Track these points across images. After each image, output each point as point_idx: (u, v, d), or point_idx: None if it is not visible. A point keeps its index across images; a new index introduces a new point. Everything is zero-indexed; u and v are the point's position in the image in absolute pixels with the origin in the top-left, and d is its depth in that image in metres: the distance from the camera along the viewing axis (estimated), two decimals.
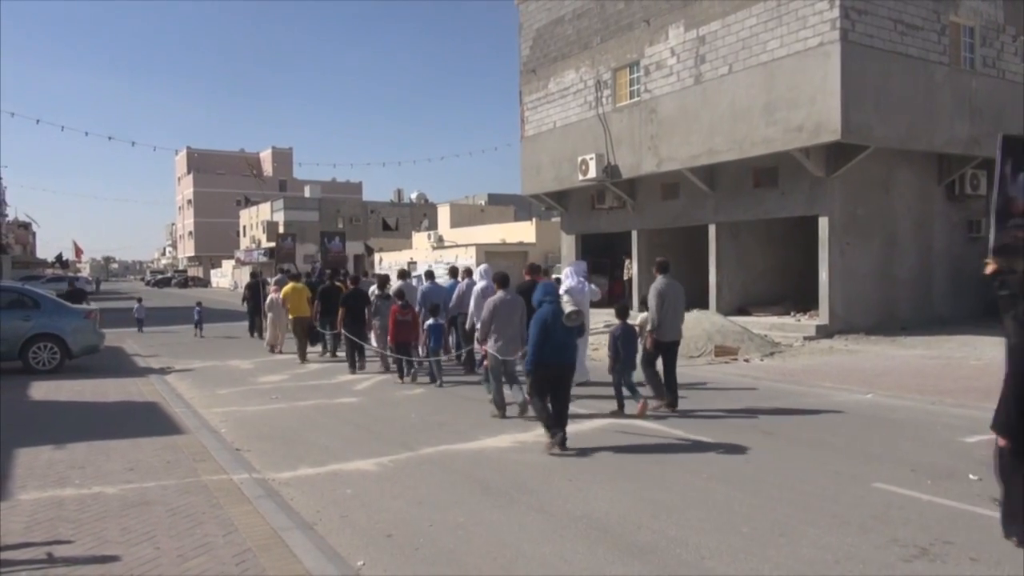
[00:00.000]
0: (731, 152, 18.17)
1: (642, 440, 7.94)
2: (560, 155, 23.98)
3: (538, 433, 8.19)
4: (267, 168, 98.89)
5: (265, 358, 15.61)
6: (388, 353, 12.97)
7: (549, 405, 7.54)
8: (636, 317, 9.74)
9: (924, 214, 18.81)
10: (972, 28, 18.33)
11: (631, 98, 21.41)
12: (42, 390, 11.48)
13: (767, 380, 11.70)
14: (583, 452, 7.44)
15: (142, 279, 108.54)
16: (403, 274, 15.07)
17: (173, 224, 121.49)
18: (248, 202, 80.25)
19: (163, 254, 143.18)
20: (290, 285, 15.94)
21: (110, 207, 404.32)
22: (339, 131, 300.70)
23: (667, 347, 9.43)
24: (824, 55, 15.90)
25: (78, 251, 69.19)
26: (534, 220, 42.23)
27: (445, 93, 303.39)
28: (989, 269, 5.46)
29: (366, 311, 13.49)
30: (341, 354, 14.71)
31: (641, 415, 8.83)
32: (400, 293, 12.50)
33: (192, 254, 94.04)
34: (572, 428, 8.46)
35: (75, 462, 7.06)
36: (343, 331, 13.53)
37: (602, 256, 27.44)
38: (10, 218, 78.43)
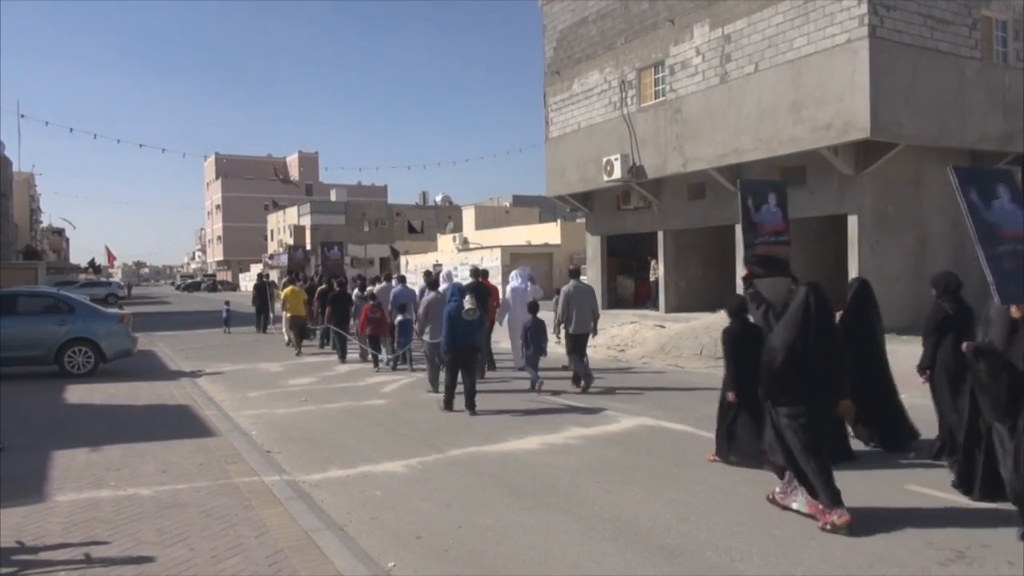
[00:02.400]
0: (758, 151, 18.02)
1: (670, 442, 7.90)
2: (585, 156, 23.93)
3: (566, 435, 8.20)
4: (294, 172, 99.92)
5: (294, 361, 15.77)
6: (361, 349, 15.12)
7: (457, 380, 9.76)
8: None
9: (957, 212, 18.34)
10: (1005, 22, 18.01)
11: (656, 98, 21.32)
12: (77, 393, 11.68)
13: None
14: (611, 454, 7.44)
15: (172, 283, 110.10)
16: (388, 277, 17.23)
17: (202, 229, 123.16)
18: (275, 206, 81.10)
19: (193, 258, 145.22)
20: (289, 288, 18.06)
21: (141, 213, 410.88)
22: (364, 135, 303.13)
23: (579, 339, 11.10)
24: (852, 52, 15.71)
25: (110, 256, 70.25)
26: (559, 221, 42.23)
27: (469, 95, 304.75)
28: (744, 274, 7.43)
29: (349, 310, 15.82)
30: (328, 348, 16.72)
31: (538, 391, 10.84)
32: (372, 295, 14.79)
33: (221, 258, 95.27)
34: (600, 429, 8.47)
35: (110, 464, 7.18)
36: (329, 326, 15.93)
37: (628, 257, 27.34)
38: (44, 224, 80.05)
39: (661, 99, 21.04)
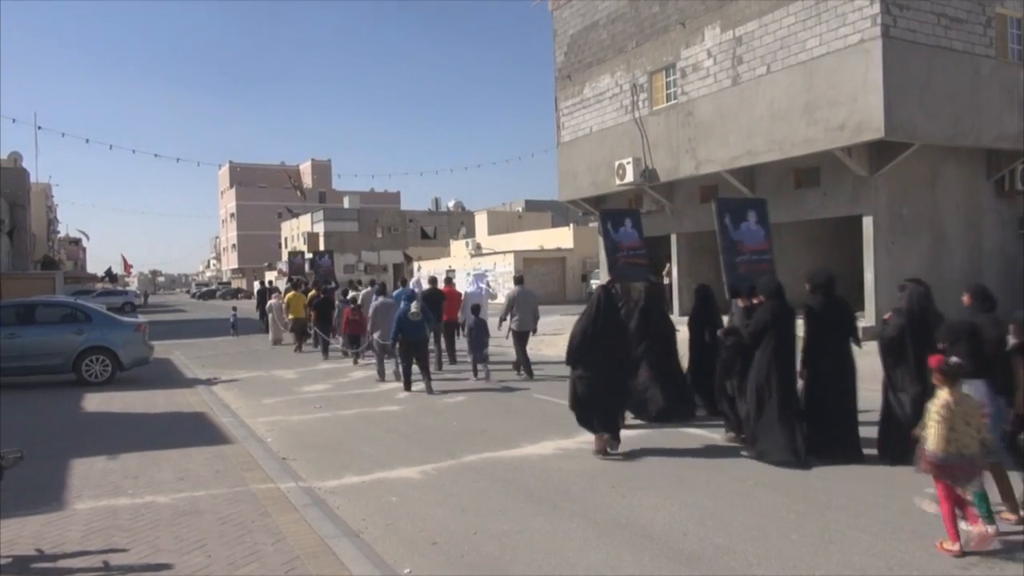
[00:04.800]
0: (771, 153, 17.93)
1: (686, 446, 7.86)
2: (597, 160, 23.91)
3: (580, 440, 8.18)
4: (307, 180, 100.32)
5: (308, 368, 15.84)
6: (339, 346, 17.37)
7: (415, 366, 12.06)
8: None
9: (973, 212, 18.33)
10: (1019, 19, 17.84)
11: (668, 101, 21.28)
12: (95, 402, 11.78)
13: None
14: (627, 458, 7.41)
15: (187, 291, 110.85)
16: (370, 283, 19.78)
17: (217, 237, 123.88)
18: (289, 214, 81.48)
19: (207, 266, 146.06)
20: (291, 293, 20.49)
21: (157, 222, 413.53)
22: (376, 142, 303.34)
23: (522, 334, 13.20)
24: (865, 52, 15.62)
25: (127, 265, 70.94)
26: (571, 226, 42.21)
27: (480, 101, 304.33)
28: (609, 280, 9.47)
29: (332, 314, 17.98)
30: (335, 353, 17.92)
31: (486, 380, 12.70)
32: (354, 299, 16.91)
33: (236, 266, 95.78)
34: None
35: (128, 472, 7.24)
36: (314, 327, 18.06)
37: None
38: (61, 234, 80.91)
39: (673, 102, 21.01)
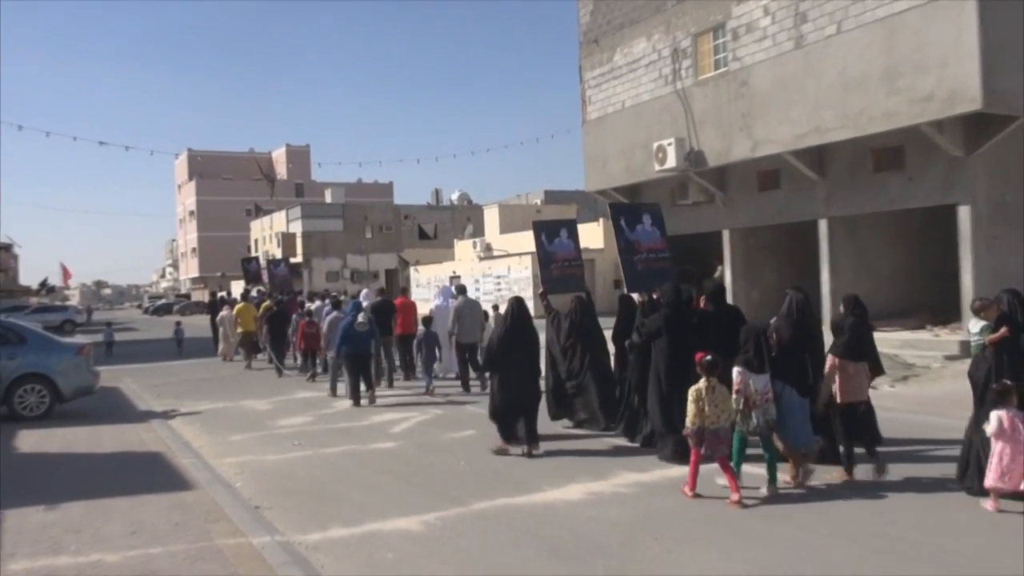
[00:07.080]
0: (844, 130, 17.88)
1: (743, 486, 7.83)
2: (631, 141, 23.94)
3: (615, 482, 8.19)
4: (281, 170, 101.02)
5: (284, 397, 15.92)
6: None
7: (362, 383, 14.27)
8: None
9: None
10: None
11: (716, 69, 21.29)
12: (30, 440, 11.89)
13: (899, 411, 11.45)
14: (671, 504, 7.40)
15: (139, 306, 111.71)
16: (323, 297, 22.64)
17: (174, 240, 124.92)
18: (260, 211, 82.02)
19: (163, 276, 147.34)
20: (241, 304, 22.24)
21: (101, 223, 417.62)
22: (364, 124, 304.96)
23: (467, 347, 15.25)
24: (957, 7, 15.55)
25: (66, 275, 71.55)
26: (601, 221, 42.07)
27: (490, 72, 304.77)
28: (540, 291, 12.11)
29: (287, 328, 20.13)
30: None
31: (431, 394, 14.68)
32: (309, 312, 19.09)
33: (196, 274, 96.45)
34: (656, 474, 8.45)
35: (70, 525, 7.30)
36: (267, 342, 20.07)
37: (687, 262, 27.18)
38: None
39: (723, 70, 21.01)
